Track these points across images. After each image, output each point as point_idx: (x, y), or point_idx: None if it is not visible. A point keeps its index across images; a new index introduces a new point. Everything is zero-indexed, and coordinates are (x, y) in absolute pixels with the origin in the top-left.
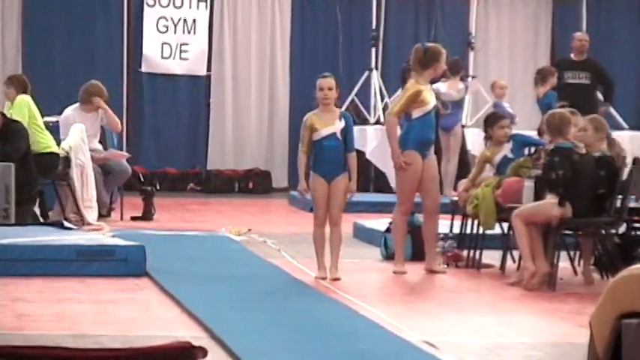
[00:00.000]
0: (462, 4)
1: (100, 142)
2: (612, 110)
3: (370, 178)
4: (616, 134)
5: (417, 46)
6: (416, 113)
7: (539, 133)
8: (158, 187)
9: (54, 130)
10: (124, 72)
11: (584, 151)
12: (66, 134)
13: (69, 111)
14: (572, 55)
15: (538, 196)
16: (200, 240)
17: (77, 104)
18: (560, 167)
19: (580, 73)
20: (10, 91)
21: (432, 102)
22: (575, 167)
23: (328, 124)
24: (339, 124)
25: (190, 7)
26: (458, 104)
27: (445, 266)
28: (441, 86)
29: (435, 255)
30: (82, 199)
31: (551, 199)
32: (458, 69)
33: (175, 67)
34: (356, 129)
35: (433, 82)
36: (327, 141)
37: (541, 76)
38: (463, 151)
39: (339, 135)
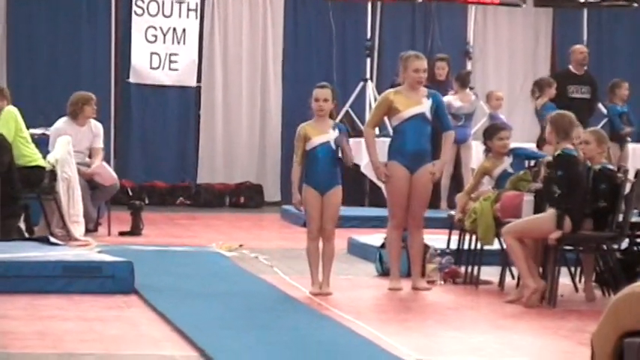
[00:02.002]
0: (459, 13)
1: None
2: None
3: (365, 191)
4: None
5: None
6: (394, 122)
7: (538, 146)
8: (146, 201)
9: (39, 142)
10: (111, 83)
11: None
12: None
13: (60, 123)
14: (571, 68)
15: (538, 210)
16: (190, 256)
17: (67, 117)
18: (562, 183)
19: (582, 87)
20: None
21: (409, 110)
22: (578, 179)
23: (321, 133)
24: (333, 134)
25: (180, 16)
26: (469, 117)
27: (442, 282)
28: (453, 100)
29: (419, 272)
30: (69, 213)
31: (548, 213)
32: (468, 81)
33: (164, 77)
34: (351, 141)
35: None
36: (320, 150)
37: (539, 88)
38: (457, 165)
39: (332, 144)
